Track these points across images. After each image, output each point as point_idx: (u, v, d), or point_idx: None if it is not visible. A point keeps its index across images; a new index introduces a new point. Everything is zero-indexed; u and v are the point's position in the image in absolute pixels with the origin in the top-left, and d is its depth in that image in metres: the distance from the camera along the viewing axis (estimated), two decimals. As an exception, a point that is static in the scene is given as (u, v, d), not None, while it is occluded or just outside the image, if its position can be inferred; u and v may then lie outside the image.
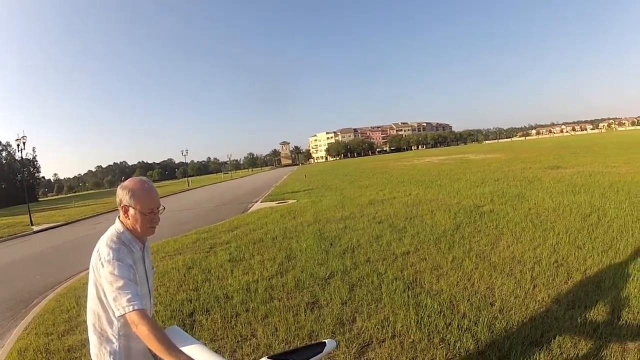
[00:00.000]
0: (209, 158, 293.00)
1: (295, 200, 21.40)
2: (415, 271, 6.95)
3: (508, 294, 5.52)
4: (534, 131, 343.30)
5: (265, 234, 12.03)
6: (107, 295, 2.26)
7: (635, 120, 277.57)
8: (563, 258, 6.75)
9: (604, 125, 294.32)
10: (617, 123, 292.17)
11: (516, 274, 6.27)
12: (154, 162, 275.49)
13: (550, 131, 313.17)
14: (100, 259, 2.31)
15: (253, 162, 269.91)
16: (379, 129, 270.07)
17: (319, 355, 2.51)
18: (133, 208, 2.42)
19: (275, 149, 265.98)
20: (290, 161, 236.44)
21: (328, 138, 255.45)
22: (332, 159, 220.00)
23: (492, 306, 5.20)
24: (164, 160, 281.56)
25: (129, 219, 2.45)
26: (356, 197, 19.00)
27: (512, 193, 14.27)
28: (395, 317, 5.16)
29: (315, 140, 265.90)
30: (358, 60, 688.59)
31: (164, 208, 2.60)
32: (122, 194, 2.43)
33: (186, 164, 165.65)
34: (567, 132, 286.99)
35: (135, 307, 2.15)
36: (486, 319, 4.79)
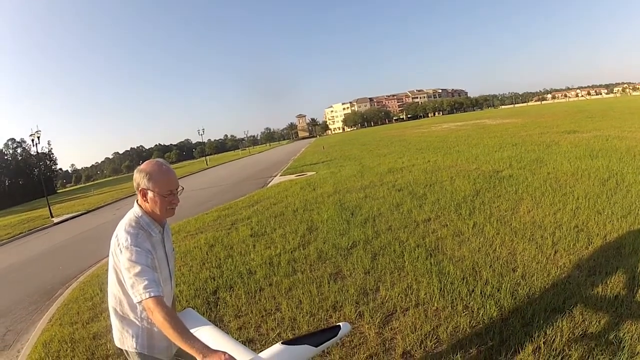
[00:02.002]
0: (226, 136, 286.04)
1: (315, 172, 21.35)
2: (437, 238, 6.90)
3: (530, 260, 5.44)
4: (549, 95, 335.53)
5: (285, 207, 12.04)
6: (125, 281, 2.26)
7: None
8: (583, 223, 6.61)
9: (618, 90, 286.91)
10: (631, 87, 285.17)
11: (537, 239, 6.17)
12: (170, 144, 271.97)
13: (565, 95, 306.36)
14: (118, 245, 2.30)
15: (270, 136, 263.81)
16: (395, 97, 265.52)
17: (333, 339, 2.52)
18: (151, 191, 2.38)
19: (292, 122, 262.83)
20: (307, 134, 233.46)
21: (344, 109, 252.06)
22: (349, 130, 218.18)
23: (514, 272, 5.13)
24: (181, 142, 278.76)
25: (147, 202, 2.42)
26: (375, 166, 18.88)
27: (530, 158, 14.01)
28: (419, 285, 5.13)
29: (332, 111, 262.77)
30: (370, 29, 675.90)
31: (183, 188, 2.56)
32: (139, 178, 2.40)
33: (203, 143, 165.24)
34: (582, 96, 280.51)
35: (152, 294, 2.13)
36: (509, 286, 4.72)
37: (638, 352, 3.27)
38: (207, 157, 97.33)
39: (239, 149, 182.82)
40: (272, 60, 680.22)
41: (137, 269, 2.19)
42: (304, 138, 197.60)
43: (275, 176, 24.40)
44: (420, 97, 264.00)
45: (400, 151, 25.22)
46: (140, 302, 2.16)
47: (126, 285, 2.25)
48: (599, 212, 7.06)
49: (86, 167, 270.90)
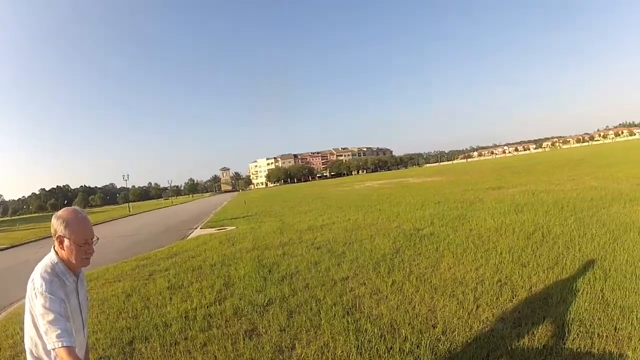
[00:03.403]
0: (149, 183, 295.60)
1: (235, 227, 21.84)
2: (355, 296, 7.05)
3: (450, 316, 5.64)
4: (475, 153, 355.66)
5: (203, 260, 12.05)
6: (39, 327, 2.39)
7: (581, 138, 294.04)
8: (507, 277, 7.00)
9: (547, 144, 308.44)
10: (561, 141, 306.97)
11: (458, 295, 6.43)
12: (95, 187, 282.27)
13: (492, 152, 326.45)
14: (34, 289, 2.43)
15: (194, 188, 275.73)
16: (319, 154, 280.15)
17: None
18: (68, 239, 2.53)
19: (215, 175, 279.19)
20: (230, 187, 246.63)
21: (268, 164, 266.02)
22: (272, 185, 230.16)
23: (434, 328, 5.29)
24: (105, 185, 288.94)
25: (63, 249, 2.56)
26: (295, 223, 19.33)
27: (453, 215, 14.70)
28: (335, 343, 5.19)
29: (256, 166, 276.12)
30: (296, 86, 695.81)
31: (98, 239, 2.70)
32: (56, 224, 2.55)
33: (127, 189, 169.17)
34: (509, 152, 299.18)
35: (64, 344, 2.27)
36: (429, 342, 4.87)
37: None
38: (131, 203, 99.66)
39: (162, 197, 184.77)
40: (197, 110, 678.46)
41: (51, 316, 2.33)
42: (227, 191, 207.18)
43: (195, 228, 24.49)
44: (345, 155, 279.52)
45: (321, 209, 25.82)
46: (53, 349, 2.31)
47: (40, 331, 2.38)
48: (524, 265, 7.53)
49: (14, 200, 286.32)
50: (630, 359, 4.08)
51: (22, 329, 2.58)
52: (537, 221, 11.48)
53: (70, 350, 2.28)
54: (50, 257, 2.57)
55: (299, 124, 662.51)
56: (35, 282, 2.43)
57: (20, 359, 6.04)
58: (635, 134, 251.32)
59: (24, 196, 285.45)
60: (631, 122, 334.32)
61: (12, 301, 10.40)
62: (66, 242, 2.52)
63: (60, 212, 2.59)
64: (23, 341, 2.62)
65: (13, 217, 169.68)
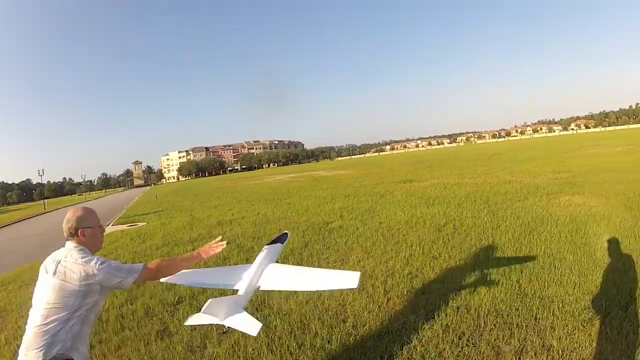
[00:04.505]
0: (64, 178, 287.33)
1: (146, 223, 22.00)
2: (263, 292, 6.99)
3: (361, 309, 5.73)
4: (388, 147, 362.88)
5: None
6: (112, 281, 3.12)
7: (497, 133, 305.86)
8: (417, 269, 7.21)
9: (462, 139, 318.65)
10: (476, 136, 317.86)
11: (368, 288, 6.54)
12: (13, 183, 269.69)
13: (405, 146, 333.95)
14: (91, 266, 3.05)
15: (107, 182, 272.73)
16: (231, 147, 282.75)
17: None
18: (91, 228, 3.33)
19: (128, 169, 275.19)
20: (142, 182, 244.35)
21: (180, 157, 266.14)
22: (184, 179, 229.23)
23: (344, 323, 5.35)
24: (22, 181, 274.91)
25: (86, 237, 3.28)
26: (205, 218, 19.48)
27: (363, 208, 15.01)
28: (246, 341, 5.16)
29: (167, 159, 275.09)
30: (211, 77, 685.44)
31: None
32: (77, 220, 3.27)
33: (43, 184, 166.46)
34: (423, 146, 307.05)
35: (142, 265, 3.32)
36: (339, 337, 4.92)
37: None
38: (46, 200, 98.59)
39: (76, 193, 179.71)
40: (109, 101, 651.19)
41: (120, 265, 3.21)
42: (139, 186, 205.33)
43: (108, 225, 23.76)
44: (256, 148, 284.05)
45: (231, 203, 25.89)
46: (139, 271, 3.23)
47: (119, 284, 3.15)
48: (435, 257, 7.79)
49: None
50: (555, 349, 4.27)
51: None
52: (449, 214, 11.92)
53: (145, 265, 3.35)
54: (76, 248, 3.18)
55: (212, 116, 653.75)
56: (90, 264, 3.04)
57: None
58: (554, 131, 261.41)
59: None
60: (551, 120, 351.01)
61: None
62: (89, 231, 3.27)
63: (73, 211, 3.33)
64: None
65: None
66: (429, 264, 7.40)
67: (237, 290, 3.64)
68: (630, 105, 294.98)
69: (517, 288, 5.88)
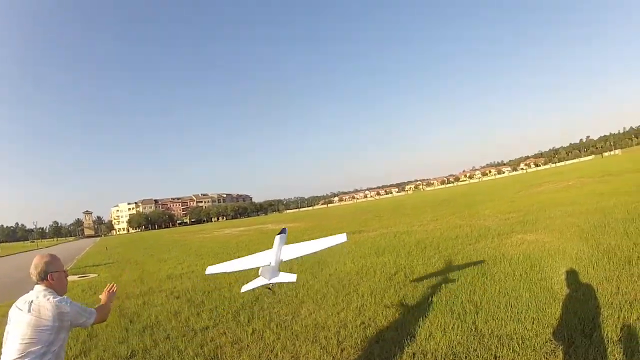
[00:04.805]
0: (17, 223, 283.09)
1: (97, 275, 22.04)
2: (216, 346, 7.09)
3: (314, 362, 5.62)
4: (336, 198, 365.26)
5: None
6: (78, 320, 3.63)
7: (445, 179, 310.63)
8: (370, 319, 7.23)
9: (410, 187, 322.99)
10: (425, 184, 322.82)
11: (321, 340, 6.53)
12: None
13: (353, 197, 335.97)
14: (61, 307, 3.46)
15: (58, 231, 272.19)
16: (180, 200, 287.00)
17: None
18: (58, 272, 3.75)
19: (78, 218, 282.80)
20: (93, 232, 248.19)
21: (130, 209, 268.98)
22: (133, 231, 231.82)
23: (299, 376, 5.25)
24: None
25: (54, 281, 3.68)
26: (155, 272, 19.30)
27: (311, 260, 14.91)
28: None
29: (117, 210, 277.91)
30: (156, 128, 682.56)
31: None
32: (45, 265, 3.66)
33: None
34: (371, 196, 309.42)
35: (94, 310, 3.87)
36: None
37: None
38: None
39: (28, 240, 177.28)
40: (61, 148, 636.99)
41: (83, 306, 3.73)
42: (90, 236, 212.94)
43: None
44: (205, 202, 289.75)
45: (180, 257, 25.62)
46: (94, 315, 3.83)
47: (81, 321, 3.68)
48: (387, 307, 7.88)
49: None
50: None
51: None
52: (399, 262, 11.99)
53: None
54: (46, 290, 3.56)
55: (160, 169, 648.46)
56: (60, 304, 3.45)
57: None
58: (504, 172, 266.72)
59: None
60: (500, 162, 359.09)
61: None
62: (56, 275, 3.69)
63: (39, 257, 3.72)
64: None
65: None
66: (382, 312, 7.43)
67: (269, 264, 6.08)
68: (581, 139, 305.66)
69: (473, 329, 5.96)
